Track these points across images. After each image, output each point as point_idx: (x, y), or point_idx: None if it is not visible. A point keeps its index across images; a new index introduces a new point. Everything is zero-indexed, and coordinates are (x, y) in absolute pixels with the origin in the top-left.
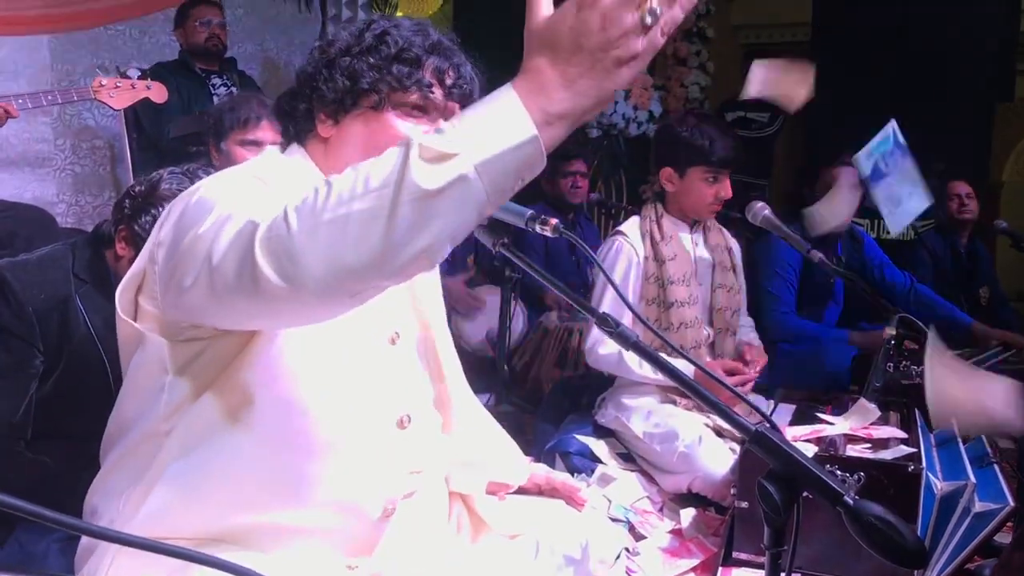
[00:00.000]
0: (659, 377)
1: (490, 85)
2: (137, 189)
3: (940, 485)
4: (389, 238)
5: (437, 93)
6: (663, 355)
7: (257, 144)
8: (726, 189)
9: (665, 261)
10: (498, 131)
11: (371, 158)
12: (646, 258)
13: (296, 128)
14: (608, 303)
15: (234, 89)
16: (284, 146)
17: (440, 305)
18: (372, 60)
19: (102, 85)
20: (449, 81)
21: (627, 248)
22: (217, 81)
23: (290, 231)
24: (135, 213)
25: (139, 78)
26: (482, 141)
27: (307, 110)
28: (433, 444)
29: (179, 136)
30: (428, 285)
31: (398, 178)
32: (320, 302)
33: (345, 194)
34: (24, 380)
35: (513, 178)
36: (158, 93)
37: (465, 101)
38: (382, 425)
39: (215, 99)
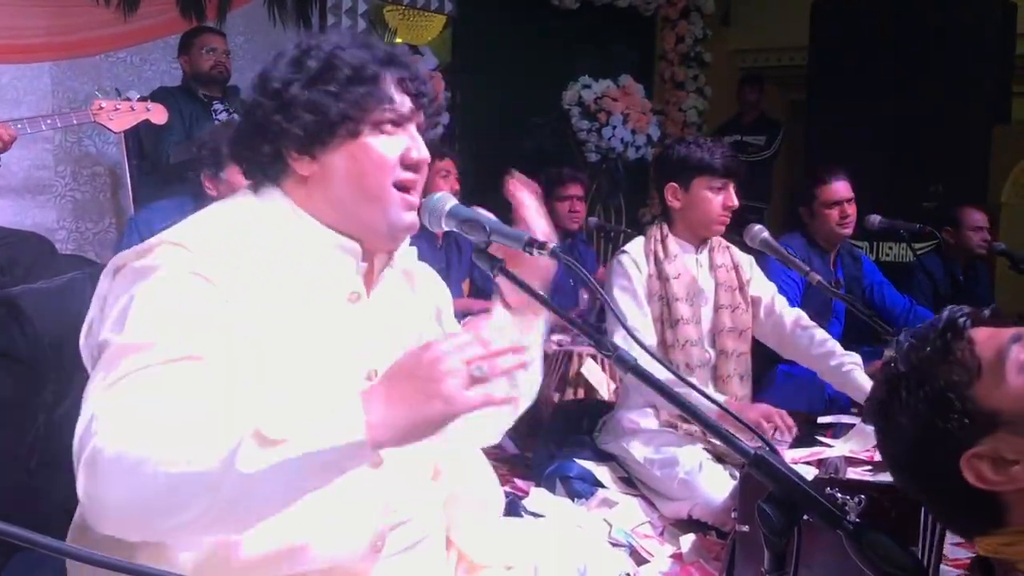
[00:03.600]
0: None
1: (491, 108)
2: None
3: None
4: (210, 510)
5: (406, 103)
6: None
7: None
8: (732, 198)
9: (669, 279)
10: (331, 427)
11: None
12: (650, 276)
13: (265, 170)
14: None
15: (235, 116)
16: (255, 186)
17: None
18: (332, 88)
19: (101, 108)
20: (413, 89)
21: (630, 265)
22: (219, 107)
23: (105, 481)
24: None
25: (139, 100)
26: (314, 434)
27: (274, 151)
28: (417, 480)
29: (179, 162)
30: (422, 322)
31: (228, 459)
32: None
33: (176, 462)
34: (33, 410)
35: (336, 470)
36: (158, 114)
37: (428, 106)
38: None
39: None
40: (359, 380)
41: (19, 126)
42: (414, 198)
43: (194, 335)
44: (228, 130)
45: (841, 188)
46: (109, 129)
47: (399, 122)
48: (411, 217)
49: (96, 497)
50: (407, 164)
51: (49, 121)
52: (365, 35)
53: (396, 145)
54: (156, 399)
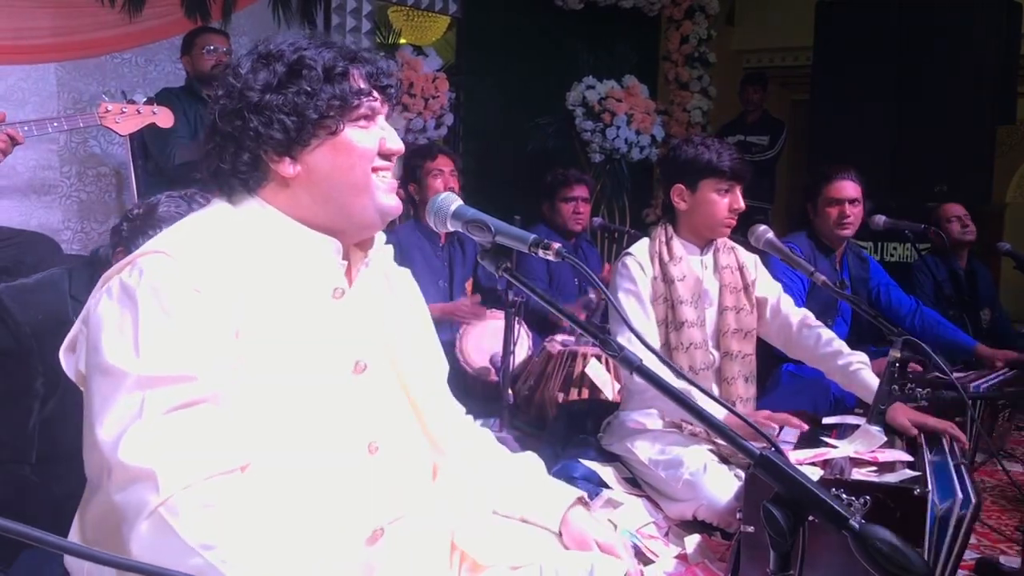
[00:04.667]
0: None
1: (494, 108)
2: (135, 212)
3: (938, 506)
4: None
5: (377, 96)
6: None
7: None
8: (739, 200)
9: (674, 281)
10: None
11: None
12: (655, 278)
13: (243, 180)
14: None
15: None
16: (228, 196)
17: (415, 338)
18: (308, 88)
19: (108, 111)
20: (383, 82)
21: (635, 267)
22: None
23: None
24: (132, 235)
25: (145, 103)
26: None
27: (252, 158)
28: (415, 477)
29: (184, 162)
30: (401, 318)
31: None
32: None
33: None
34: (27, 402)
35: None
36: (164, 118)
37: (393, 97)
38: (351, 452)
39: None
40: (347, 372)
41: (26, 129)
42: (393, 180)
43: (212, 363)
44: None
45: (847, 187)
46: (116, 132)
47: (371, 115)
48: (396, 199)
49: (154, 544)
50: (384, 154)
51: (56, 124)
52: (321, 33)
53: (372, 137)
54: (213, 462)
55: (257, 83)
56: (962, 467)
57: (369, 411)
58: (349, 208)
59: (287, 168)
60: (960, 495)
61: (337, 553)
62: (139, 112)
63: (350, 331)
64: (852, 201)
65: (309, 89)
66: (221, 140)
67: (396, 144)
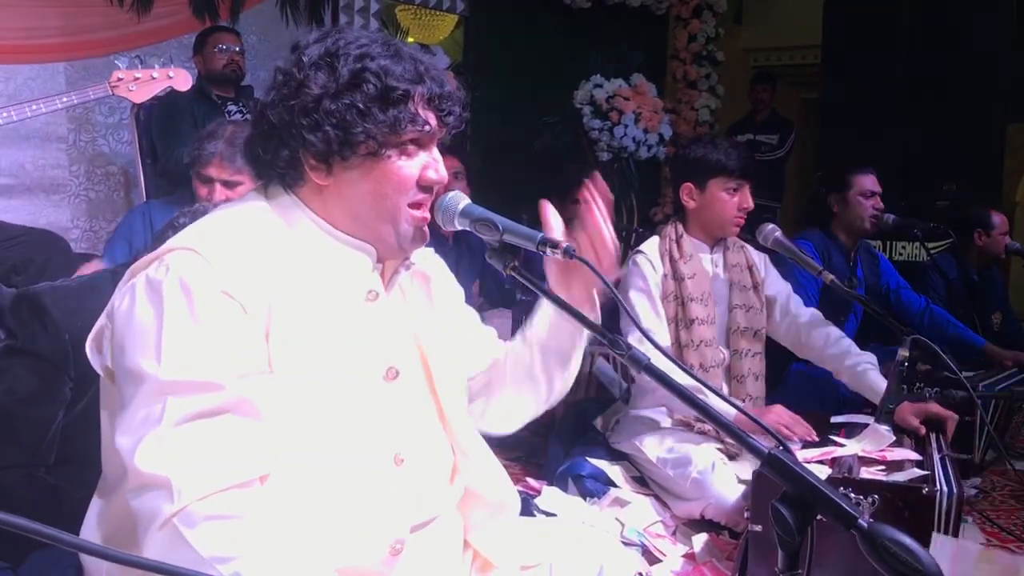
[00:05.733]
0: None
1: (502, 107)
2: (182, 220)
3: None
4: None
5: (431, 121)
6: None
7: (210, 181)
8: (747, 199)
9: (684, 279)
10: None
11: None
12: (665, 276)
13: (280, 174)
14: (639, 322)
15: (250, 116)
16: (265, 188)
17: (451, 343)
18: (360, 104)
19: (120, 79)
20: (442, 109)
21: (646, 265)
22: (233, 108)
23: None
24: None
25: (160, 67)
26: None
27: (291, 157)
28: (437, 481)
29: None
30: (439, 323)
31: None
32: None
33: None
34: (53, 407)
35: None
36: (182, 80)
37: (456, 123)
38: (378, 462)
39: None
40: (378, 378)
41: (34, 107)
42: (427, 214)
43: (237, 370)
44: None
45: (874, 180)
46: (130, 100)
47: (422, 143)
48: (421, 234)
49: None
50: (424, 185)
51: (65, 99)
52: (395, 40)
53: (415, 166)
54: (232, 474)
55: (314, 82)
56: (946, 459)
57: (398, 421)
58: (374, 231)
59: (321, 176)
60: (945, 487)
61: (355, 566)
62: (154, 77)
63: (383, 335)
64: (878, 194)
65: (361, 107)
66: (267, 129)
67: (438, 175)
